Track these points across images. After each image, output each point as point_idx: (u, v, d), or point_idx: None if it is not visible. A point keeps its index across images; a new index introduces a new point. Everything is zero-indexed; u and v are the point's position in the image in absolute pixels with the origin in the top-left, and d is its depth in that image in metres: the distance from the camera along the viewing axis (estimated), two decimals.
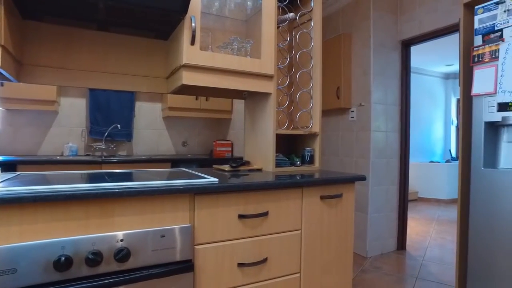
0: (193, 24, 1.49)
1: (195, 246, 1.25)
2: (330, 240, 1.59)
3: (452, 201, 5.77)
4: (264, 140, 1.83)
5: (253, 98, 1.97)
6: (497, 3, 1.67)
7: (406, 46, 3.24)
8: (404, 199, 3.29)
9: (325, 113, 3.59)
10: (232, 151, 3.73)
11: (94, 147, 3.49)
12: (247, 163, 1.93)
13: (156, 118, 3.84)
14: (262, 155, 1.85)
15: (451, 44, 4.40)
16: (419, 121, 6.31)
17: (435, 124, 6.71)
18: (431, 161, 6.34)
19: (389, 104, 3.17)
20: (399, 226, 3.30)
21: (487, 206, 1.68)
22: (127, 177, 1.38)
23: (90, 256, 1.03)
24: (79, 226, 1.06)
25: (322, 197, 1.55)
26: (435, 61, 5.88)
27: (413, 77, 5.92)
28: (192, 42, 1.51)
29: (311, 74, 1.99)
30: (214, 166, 1.96)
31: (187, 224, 1.22)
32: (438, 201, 5.85)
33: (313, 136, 1.96)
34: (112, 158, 3.07)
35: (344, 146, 3.35)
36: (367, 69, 3.08)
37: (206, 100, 3.65)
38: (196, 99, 3.59)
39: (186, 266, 1.20)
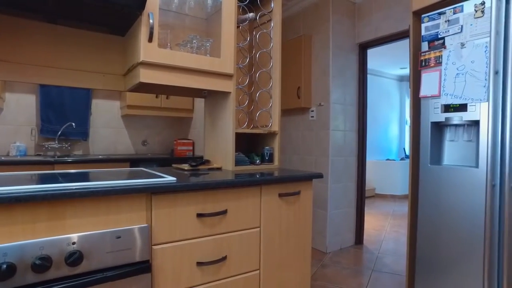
0: (151, 21, 1.47)
1: (153, 246, 1.23)
2: (288, 236, 1.63)
3: (405, 197, 6.10)
4: (224, 139, 1.84)
5: (213, 97, 1.97)
6: (439, 14, 1.80)
7: (363, 49, 3.39)
8: (361, 196, 3.44)
9: (287, 112, 3.66)
10: (193, 150, 3.69)
11: (46, 146, 3.30)
12: (207, 162, 1.93)
13: (114, 116, 3.70)
14: (222, 154, 1.86)
15: (405, 48, 4.64)
16: (376, 121, 6.61)
17: (391, 124, 7.06)
18: (387, 159, 6.67)
19: (347, 104, 3.30)
20: (357, 222, 3.45)
21: (433, 200, 1.80)
22: (81, 177, 1.33)
23: (37, 262, 0.98)
24: (25, 230, 1.00)
25: (280, 195, 1.58)
26: (390, 64, 6.19)
27: (370, 78, 6.20)
28: (150, 39, 1.48)
29: (270, 74, 2.03)
30: (174, 165, 1.94)
31: (144, 225, 1.19)
32: (393, 197, 6.17)
33: (272, 135, 2.00)
34: (66, 158, 2.92)
35: (305, 144, 3.43)
36: (327, 70, 3.18)
37: (167, 98, 3.58)
38: (157, 97, 3.51)
39: (143, 267, 1.18)
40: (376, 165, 6.34)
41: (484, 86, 1.60)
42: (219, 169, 1.84)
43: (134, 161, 3.11)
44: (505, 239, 1.51)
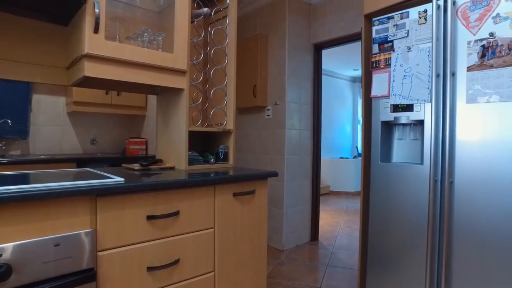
0: (96, 10, 1.37)
1: (98, 253, 1.15)
2: (243, 236, 1.61)
3: (358, 193, 6.37)
4: (177, 138, 1.77)
5: (165, 94, 1.89)
6: (388, 18, 1.88)
7: (318, 49, 3.46)
8: (316, 193, 3.52)
9: (243, 111, 3.64)
10: (146, 149, 3.54)
11: None
12: (159, 161, 1.85)
13: (59, 113, 3.44)
14: (175, 153, 1.79)
15: (357, 51, 4.84)
16: (330, 120, 6.83)
17: (344, 123, 7.34)
18: (341, 157, 6.92)
19: (302, 104, 3.36)
20: (312, 219, 3.52)
21: (383, 196, 1.88)
22: (15, 179, 1.20)
23: None
24: None
25: (235, 194, 1.55)
26: (343, 66, 6.42)
27: (325, 79, 6.38)
28: (96, 30, 1.38)
29: (225, 71, 1.99)
30: (123, 165, 1.83)
31: (88, 230, 1.11)
32: (347, 194, 6.42)
33: (227, 133, 1.96)
34: (0, 158, 2.66)
35: (261, 143, 3.44)
36: (283, 69, 3.21)
37: (118, 95, 3.40)
38: (107, 93, 3.32)
39: (87, 276, 1.09)
40: (331, 163, 6.55)
41: (428, 88, 1.69)
42: (171, 168, 1.77)
43: (81, 161, 2.91)
44: (444, 230, 1.62)
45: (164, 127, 1.90)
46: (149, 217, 1.27)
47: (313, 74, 3.47)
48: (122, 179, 1.26)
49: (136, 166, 1.72)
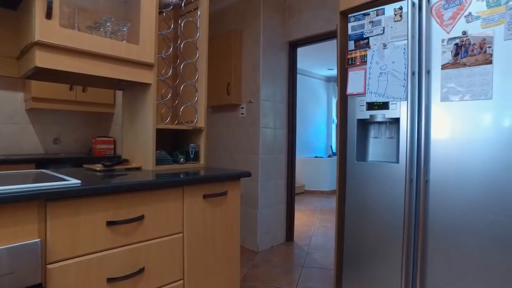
0: None
1: (48, 266, 1.02)
2: (215, 240, 1.52)
3: (333, 192, 6.41)
4: (144, 136, 1.65)
5: (131, 89, 1.76)
6: (364, 15, 1.84)
7: (293, 47, 3.42)
8: (291, 193, 3.47)
9: (216, 108, 3.54)
10: (114, 149, 3.36)
11: None
12: (125, 161, 1.72)
13: (16, 110, 3.19)
14: (142, 152, 1.67)
15: (332, 50, 4.85)
16: (305, 119, 6.84)
17: (319, 123, 7.37)
18: (316, 156, 6.95)
19: (277, 102, 3.30)
20: (287, 219, 3.47)
21: (359, 195, 1.85)
22: None
23: None
24: None
25: (205, 196, 1.46)
26: (318, 65, 6.44)
27: (299, 78, 6.35)
28: (48, 16, 1.24)
29: (196, 66, 1.89)
30: (85, 165, 1.69)
31: (35, 240, 0.98)
32: (322, 193, 6.44)
33: (198, 131, 1.86)
34: None
35: (235, 142, 3.35)
36: (257, 66, 3.13)
37: (83, 91, 3.20)
38: (71, 89, 3.11)
39: None
40: (305, 162, 6.56)
41: (403, 86, 1.67)
42: (138, 169, 1.65)
43: (41, 162, 2.70)
44: (420, 228, 1.60)
45: (130, 124, 1.77)
46: (110, 223, 1.15)
47: (288, 72, 3.42)
48: (79, 181, 1.14)
49: (99, 166, 1.59)
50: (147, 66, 1.58)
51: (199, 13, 1.89)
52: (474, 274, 1.48)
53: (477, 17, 1.50)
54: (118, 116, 3.48)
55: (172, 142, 2.00)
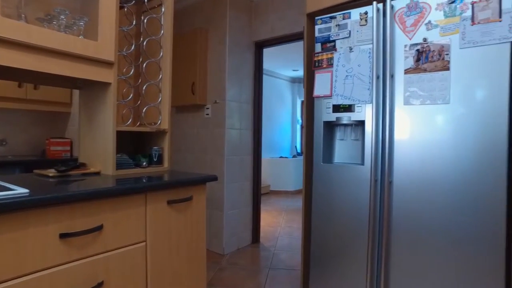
0: None
1: None
2: (180, 248, 1.46)
3: (298, 192, 6.50)
4: (103, 138, 1.55)
5: (90, 88, 1.65)
6: (331, 18, 1.86)
7: (259, 47, 3.40)
8: (257, 194, 3.45)
9: (181, 109, 3.44)
10: (71, 151, 3.16)
11: None
12: (82, 165, 1.60)
13: None
14: (101, 155, 1.56)
15: (297, 51, 4.90)
16: (270, 119, 6.87)
17: (284, 123, 7.44)
18: (281, 157, 7.00)
19: (243, 102, 3.26)
20: (253, 220, 3.45)
21: (325, 196, 1.86)
22: None
23: None
24: None
25: (169, 202, 1.39)
26: (284, 66, 6.49)
27: (265, 78, 6.38)
28: None
29: (160, 65, 1.80)
30: (36, 171, 1.55)
31: None
32: (287, 193, 6.50)
33: (162, 133, 1.78)
34: None
35: (200, 143, 3.27)
36: (223, 66, 3.08)
37: (35, 88, 2.97)
38: (19, 86, 2.87)
39: None
40: (271, 163, 6.59)
41: (368, 89, 1.70)
42: (96, 174, 1.54)
43: None
44: (384, 228, 1.64)
45: (89, 126, 1.66)
46: (63, 235, 1.05)
47: (254, 72, 3.40)
48: (27, 190, 1.03)
49: (52, 172, 1.46)
50: (107, 64, 1.48)
51: (163, 9, 1.81)
52: (434, 270, 1.54)
53: (436, 26, 1.56)
54: (75, 116, 3.27)
55: (134, 145, 1.90)
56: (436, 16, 1.56)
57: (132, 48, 1.80)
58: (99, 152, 1.58)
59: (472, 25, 1.48)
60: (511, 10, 1.41)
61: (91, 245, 1.13)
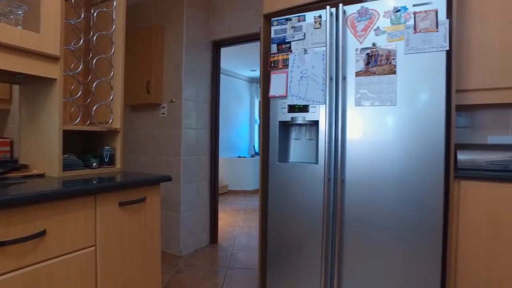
0: None
1: None
2: (133, 251, 1.40)
3: (256, 191, 6.54)
4: (48, 138, 1.45)
5: (32, 84, 1.53)
6: (287, 19, 1.90)
7: (216, 46, 3.37)
8: (215, 194, 3.43)
9: (135, 108, 3.32)
10: (11, 151, 2.91)
11: None
12: (23, 167, 1.49)
13: None
14: (45, 156, 1.46)
15: (255, 52, 4.93)
16: (228, 119, 6.86)
17: (242, 123, 7.46)
18: (239, 156, 7.01)
19: (200, 102, 3.22)
20: (211, 220, 3.42)
21: (281, 195, 1.90)
22: None
23: None
24: None
25: (121, 204, 1.33)
26: (242, 66, 6.51)
27: (223, 78, 6.34)
28: None
29: (112, 62, 1.73)
30: None
31: None
32: (245, 192, 6.52)
33: (113, 133, 1.70)
34: None
35: (155, 143, 3.18)
36: (179, 65, 3.02)
37: None
38: None
39: None
40: (229, 162, 6.57)
41: (322, 90, 1.76)
42: (40, 176, 1.44)
43: None
44: (337, 225, 1.71)
45: (31, 125, 1.54)
46: None
47: (212, 72, 3.37)
48: None
49: None
50: (51, 58, 1.38)
51: (115, 4, 1.73)
52: (384, 260, 1.64)
53: (384, 32, 1.65)
54: (16, 113, 3.02)
55: (84, 145, 1.80)
56: (384, 23, 1.65)
57: (81, 42, 1.71)
58: (43, 152, 1.47)
59: (414, 33, 1.59)
60: (445, 22, 1.54)
61: (31, 254, 1.05)
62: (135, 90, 3.09)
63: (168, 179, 1.53)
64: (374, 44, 1.67)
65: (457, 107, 2.03)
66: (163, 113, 3.11)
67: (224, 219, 4.43)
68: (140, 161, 3.28)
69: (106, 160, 1.65)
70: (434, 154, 1.55)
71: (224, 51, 3.52)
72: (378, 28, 1.67)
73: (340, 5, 1.71)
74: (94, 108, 1.70)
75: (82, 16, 1.70)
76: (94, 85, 1.71)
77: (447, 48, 1.54)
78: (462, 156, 1.81)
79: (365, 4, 1.70)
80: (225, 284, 2.46)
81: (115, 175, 1.54)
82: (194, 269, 2.74)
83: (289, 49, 1.87)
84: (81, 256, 1.20)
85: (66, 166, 1.48)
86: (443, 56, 1.54)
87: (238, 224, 4.22)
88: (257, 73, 7.16)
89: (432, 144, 1.56)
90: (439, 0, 1.55)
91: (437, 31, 1.55)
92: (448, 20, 1.55)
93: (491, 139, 2.09)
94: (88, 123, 1.72)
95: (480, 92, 1.83)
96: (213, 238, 3.43)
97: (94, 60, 1.71)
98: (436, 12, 1.55)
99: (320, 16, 1.80)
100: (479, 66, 1.81)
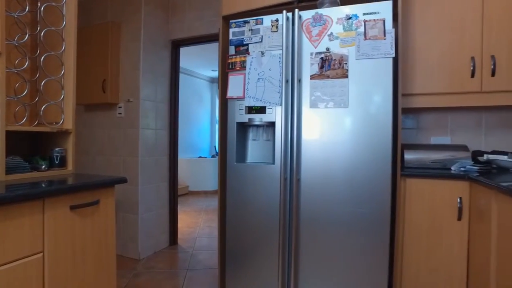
0: None
1: None
2: (86, 256, 1.36)
3: (217, 192, 6.51)
4: None
5: None
6: (244, 22, 1.93)
7: (176, 46, 3.33)
8: (174, 195, 3.38)
9: (90, 108, 3.19)
10: None
11: None
12: None
13: None
14: None
15: (216, 52, 4.91)
16: (189, 119, 6.77)
17: (203, 123, 7.40)
18: (200, 157, 6.95)
19: (158, 102, 3.16)
20: (171, 222, 3.37)
21: (240, 195, 1.92)
22: None
23: None
24: None
25: (73, 208, 1.29)
26: (203, 66, 6.45)
27: (184, 77, 6.27)
28: None
29: (62, 59, 1.65)
30: None
31: None
32: (206, 193, 6.48)
33: (64, 133, 1.63)
34: None
35: (112, 144, 3.08)
36: (137, 64, 2.94)
37: None
38: None
39: None
40: (189, 163, 6.49)
41: (279, 92, 1.81)
42: None
43: None
44: (293, 223, 1.76)
45: None
46: None
47: (171, 71, 3.32)
48: None
49: None
50: None
51: None
52: (338, 254, 1.72)
53: (337, 37, 1.73)
54: None
55: (31, 147, 1.70)
56: (337, 29, 1.73)
57: (26, 37, 1.62)
58: None
59: (365, 40, 1.69)
60: (391, 31, 1.65)
61: None
62: (90, 88, 2.96)
63: (123, 180, 1.50)
64: (328, 49, 1.75)
65: (405, 110, 2.18)
66: (120, 113, 3.02)
67: (185, 220, 4.38)
68: (96, 162, 3.16)
69: (57, 162, 1.58)
70: (382, 153, 1.66)
71: (185, 50, 3.49)
72: (331, 33, 1.75)
73: (296, 10, 1.77)
74: (42, 108, 1.62)
75: (27, 9, 1.61)
76: (42, 84, 1.62)
77: (393, 55, 1.65)
78: (409, 156, 1.95)
79: (319, 10, 1.77)
80: (185, 286, 2.45)
81: (66, 177, 1.48)
82: (153, 272, 2.69)
83: (246, 51, 1.90)
84: (26, 264, 1.14)
85: (10, 170, 1.40)
86: (390, 62, 1.65)
87: (198, 225, 4.19)
88: (217, 73, 7.13)
89: (381, 145, 1.66)
90: (386, 11, 1.65)
91: (384, 39, 1.66)
92: (394, 29, 1.66)
93: (434, 140, 2.27)
94: (36, 123, 1.64)
95: (422, 96, 1.98)
96: (173, 240, 3.39)
97: (42, 57, 1.63)
98: (384, 21, 1.66)
99: (277, 20, 1.84)
100: (422, 72, 1.97)
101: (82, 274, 1.34)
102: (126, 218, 3.01)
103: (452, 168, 1.83)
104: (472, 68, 1.86)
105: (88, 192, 1.36)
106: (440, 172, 1.75)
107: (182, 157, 5.92)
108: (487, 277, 1.40)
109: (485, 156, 1.88)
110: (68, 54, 1.65)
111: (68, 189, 1.26)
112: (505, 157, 1.79)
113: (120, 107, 3.01)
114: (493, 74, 1.82)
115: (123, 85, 3.01)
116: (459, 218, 1.66)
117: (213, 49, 4.54)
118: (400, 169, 1.74)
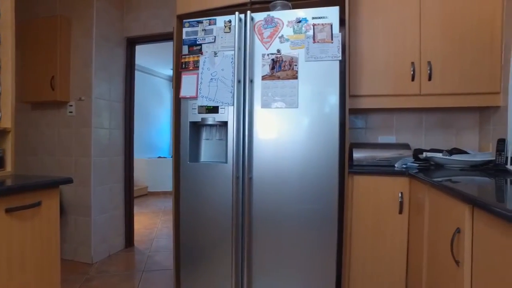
0: None
1: None
2: (25, 262, 1.30)
3: None
4: None
5: None
6: (198, 22, 1.93)
7: (131, 43, 3.25)
8: (130, 196, 3.30)
9: (37, 106, 3.02)
10: None
11: None
12: None
13: None
14: None
15: None
16: (148, 118, 6.61)
17: (163, 122, 7.25)
18: (159, 157, 6.81)
19: (113, 101, 3.07)
20: (126, 224, 3.29)
21: (193, 195, 1.92)
22: None
23: None
24: None
25: (9, 210, 1.22)
26: (161, 64, 6.32)
27: (142, 76, 6.11)
28: None
29: None
30: None
31: None
32: (165, 193, 6.36)
33: (2, 133, 1.54)
34: None
35: (62, 144, 2.94)
36: (89, 61, 2.84)
37: None
38: None
39: None
40: (148, 163, 6.34)
41: (231, 92, 1.83)
42: None
43: None
44: (246, 221, 1.80)
45: None
46: None
47: (126, 69, 3.23)
48: None
49: None
50: None
51: None
52: (290, 250, 1.78)
53: (287, 40, 1.79)
54: None
55: None
56: (287, 31, 1.79)
57: None
58: None
59: (313, 43, 1.75)
60: (338, 35, 1.73)
61: None
62: (37, 85, 2.81)
63: (68, 181, 1.45)
64: (278, 51, 1.80)
65: (354, 111, 2.30)
66: (70, 112, 2.89)
67: (142, 221, 4.28)
68: (44, 163, 3.00)
69: None
70: (331, 152, 1.74)
71: (143, 48, 3.41)
72: (282, 36, 1.80)
73: (248, 12, 1.81)
74: None
75: None
76: None
77: (340, 58, 1.73)
78: (358, 154, 2.05)
79: (271, 13, 1.82)
80: (140, 287, 2.40)
81: (4, 179, 1.40)
82: (106, 276, 2.61)
83: (200, 51, 1.91)
84: None
85: None
86: (337, 65, 1.73)
87: (156, 226, 4.12)
88: None
89: (329, 144, 1.74)
90: (333, 16, 1.73)
91: (332, 43, 1.74)
92: (341, 34, 1.74)
93: (381, 139, 2.40)
94: None
95: (369, 98, 2.10)
96: (129, 242, 3.30)
97: None
98: (331, 25, 1.74)
99: (230, 21, 1.87)
100: (368, 75, 2.08)
101: (19, 281, 1.28)
102: (78, 221, 2.90)
103: (396, 165, 1.95)
104: (412, 72, 2.00)
105: (28, 194, 1.30)
106: (385, 169, 1.87)
107: (140, 157, 5.78)
108: (420, 262, 1.52)
109: (424, 154, 2.03)
110: (5, 49, 1.56)
111: (4, 191, 1.20)
112: (440, 155, 1.95)
113: (71, 106, 2.88)
114: (429, 79, 1.97)
115: (74, 83, 2.89)
116: (400, 212, 1.78)
117: (171, 47, 4.48)
118: (348, 166, 1.83)
